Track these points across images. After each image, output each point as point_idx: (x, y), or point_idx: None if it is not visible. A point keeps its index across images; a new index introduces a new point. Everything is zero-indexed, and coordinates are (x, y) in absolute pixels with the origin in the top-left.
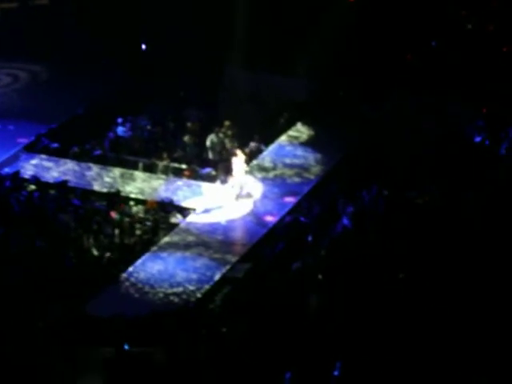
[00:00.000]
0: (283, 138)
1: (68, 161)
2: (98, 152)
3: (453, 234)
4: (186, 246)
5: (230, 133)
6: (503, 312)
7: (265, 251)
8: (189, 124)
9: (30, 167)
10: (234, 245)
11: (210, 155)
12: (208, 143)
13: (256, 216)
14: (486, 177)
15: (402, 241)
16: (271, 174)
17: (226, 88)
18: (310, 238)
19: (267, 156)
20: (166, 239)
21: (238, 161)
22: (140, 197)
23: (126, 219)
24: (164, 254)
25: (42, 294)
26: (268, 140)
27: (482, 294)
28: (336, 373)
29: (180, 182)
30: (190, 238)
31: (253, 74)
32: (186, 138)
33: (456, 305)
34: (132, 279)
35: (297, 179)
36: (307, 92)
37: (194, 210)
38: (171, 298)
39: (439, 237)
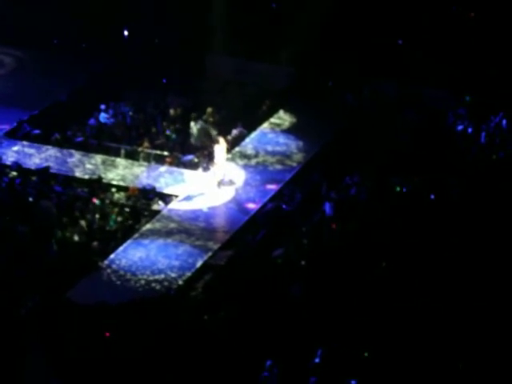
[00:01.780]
0: (265, 126)
1: (50, 147)
2: (79, 139)
3: (435, 220)
4: (168, 233)
5: (212, 120)
6: (486, 299)
7: (246, 238)
8: (171, 111)
9: (11, 154)
10: (216, 232)
11: (192, 141)
12: (190, 129)
13: (238, 203)
14: (466, 163)
15: (384, 228)
16: (253, 162)
17: (208, 75)
18: (291, 225)
19: (249, 143)
20: (148, 226)
21: (220, 148)
22: (122, 184)
23: (108, 205)
24: (146, 241)
25: (22, 280)
26: (250, 127)
27: (465, 280)
28: (317, 360)
29: (162, 169)
30: (172, 225)
31: (235, 60)
32: (168, 125)
33: (439, 292)
34: (114, 266)
35: (279, 166)
36: (289, 79)
37: (176, 196)
38: (153, 284)
39: (422, 224)
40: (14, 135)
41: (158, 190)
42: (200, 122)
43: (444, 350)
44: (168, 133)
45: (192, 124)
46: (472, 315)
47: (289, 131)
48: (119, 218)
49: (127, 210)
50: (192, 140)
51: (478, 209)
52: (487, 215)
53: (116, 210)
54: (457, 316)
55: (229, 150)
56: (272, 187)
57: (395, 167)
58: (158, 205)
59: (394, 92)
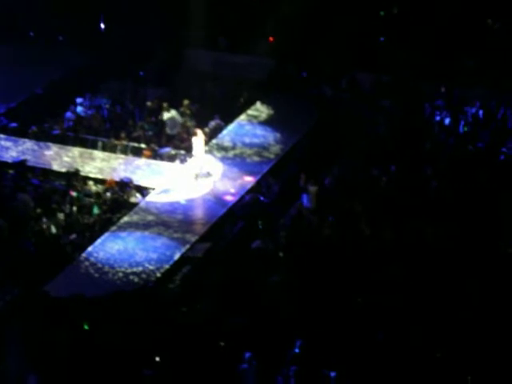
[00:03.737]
0: (242, 118)
1: (27, 140)
2: (56, 131)
3: (413, 211)
4: (146, 226)
5: (189, 112)
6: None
7: (224, 230)
8: (148, 103)
9: None
10: (194, 224)
11: (168, 131)
12: (165, 118)
13: (215, 195)
14: (443, 154)
15: (362, 221)
16: (231, 154)
17: (185, 67)
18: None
19: (227, 135)
20: (126, 219)
21: (198, 140)
22: (99, 176)
23: (86, 198)
24: (123, 234)
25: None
26: (227, 119)
27: (445, 274)
28: (296, 350)
29: (139, 162)
30: (150, 218)
31: (213, 53)
32: (145, 118)
33: (415, 284)
34: (91, 259)
35: (256, 158)
36: (267, 71)
37: (154, 189)
38: (131, 277)
39: (400, 215)
40: None
41: (135, 182)
42: (171, 111)
43: (425, 345)
44: (144, 125)
45: (164, 114)
46: (456, 311)
47: (266, 123)
48: (96, 211)
49: (106, 202)
50: (167, 129)
51: (455, 200)
52: (465, 206)
53: (98, 200)
54: (442, 315)
55: (206, 142)
56: (249, 179)
57: (374, 158)
58: (136, 197)
59: (371, 83)
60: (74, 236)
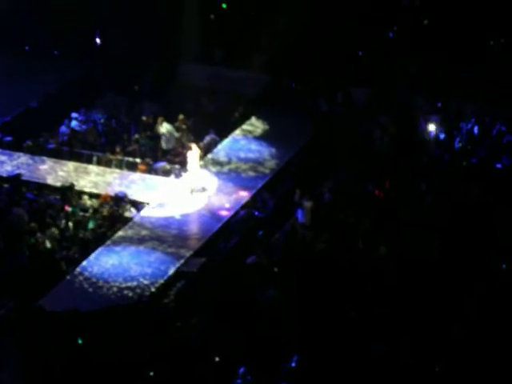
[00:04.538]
0: (238, 132)
1: (21, 154)
2: (51, 145)
3: (407, 226)
4: (140, 240)
5: (184, 127)
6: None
7: (219, 245)
8: (143, 118)
9: None
10: (189, 239)
11: (163, 145)
12: (160, 132)
13: (210, 210)
14: (438, 169)
15: (356, 236)
16: (226, 168)
17: (180, 81)
18: (263, 232)
19: (222, 150)
20: (120, 233)
21: (193, 155)
22: (94, 191)
23: (81, 212)
24: (118, 248)
25: None
26: (223, 134)
27: (440, 288)
28: (293, 364)
29: (134, 176)
30: (144, 232)
31: (208, 68)
32: (140, 132)
33: (410, 297)
34: (86, 273)
35: (251, 173)
36: (262, 86)
37: (148, 203)
38: (125, 292)
39: (395, 229)
40: None
41: (130, 196)
42: (167, 126)
43: (422, 359)
44: (140, 140)
45: (159, 128)
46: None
47: (261, 138)
48: (92, 225)
49: (101, 216)
50: (162, 144)
51: (449, 215)
52: (459, 221)
53: (93, 214)
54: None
55: (201, 157)
56: (245, 194)
57: (368, 173)
58: (130, 212)
59: (366, 97)
60: (66, 251)
